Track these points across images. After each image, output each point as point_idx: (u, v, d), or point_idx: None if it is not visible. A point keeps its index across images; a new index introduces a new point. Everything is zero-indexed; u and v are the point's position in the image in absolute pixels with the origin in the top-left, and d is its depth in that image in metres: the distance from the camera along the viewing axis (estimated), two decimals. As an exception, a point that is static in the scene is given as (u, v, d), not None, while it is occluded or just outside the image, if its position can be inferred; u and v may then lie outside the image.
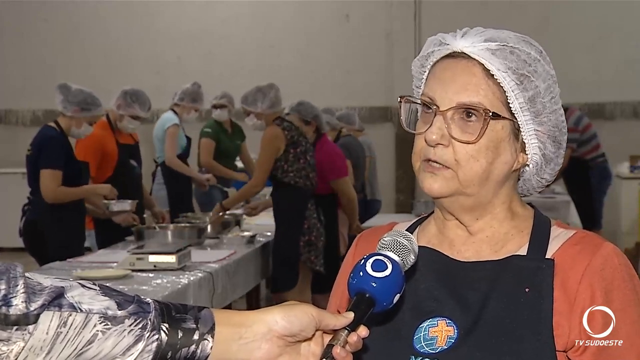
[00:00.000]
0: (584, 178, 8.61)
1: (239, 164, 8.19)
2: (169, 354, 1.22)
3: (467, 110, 1.45)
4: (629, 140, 10.35)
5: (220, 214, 5.99)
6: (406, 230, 1.58)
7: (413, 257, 1.39)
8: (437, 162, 1.47)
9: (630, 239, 8.77)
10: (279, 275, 5.86)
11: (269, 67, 10.87)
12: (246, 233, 5.85)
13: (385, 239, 1.40)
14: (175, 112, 7.36)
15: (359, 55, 11.01)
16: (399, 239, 1.39)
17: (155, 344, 1.21)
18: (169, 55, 11.20)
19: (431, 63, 1.53)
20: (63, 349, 1.18)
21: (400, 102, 1.54)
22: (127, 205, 5.81)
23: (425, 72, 1.54)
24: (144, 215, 6.20)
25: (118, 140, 6.15)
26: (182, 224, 5.77)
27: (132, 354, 1.20)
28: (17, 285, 1.16)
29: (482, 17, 9.83)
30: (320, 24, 11.13)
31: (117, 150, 6.10)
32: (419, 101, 1.52)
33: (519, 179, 1.56)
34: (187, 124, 7.54)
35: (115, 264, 4.53)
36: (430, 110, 1.48)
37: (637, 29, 10.71)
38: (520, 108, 1.46)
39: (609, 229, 9.16)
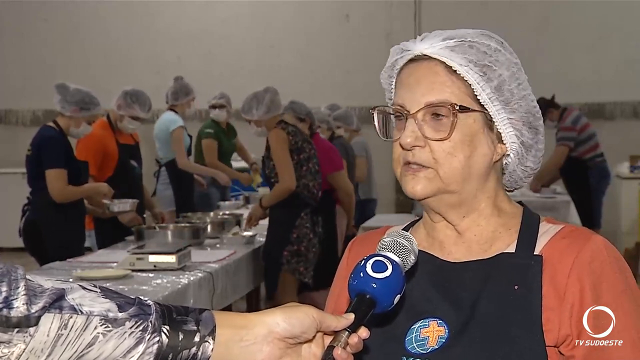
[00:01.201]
0: (583, 178, 8.59)
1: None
2: (170, 356, 1.22)
3: (436, 109, 1.47)
4: (629, 140, 10.35)
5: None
6: (401, 230, 1.60)
7: (413, 258, 1.40)
8: (416, 164, 1.49)
9: (630, 239, 8.76)
10: (272, 279, 5.76)
11: (269, 67, 10.87)
12: (246, 233, 5.84)
13: (385, 239, 1.41)
14: (175, 112, 7.38)
15: (359, 55, 11.01)
16: (399, 240, 1.40)
17: (156, 346, 1.21)
18: (169, 55, 11.20)
19: (396, 72, 1.55)
20: (64, 351, 1.18)
21: (373, 113, 1.57)
22: (127, 205, 5.81)
23: (393, 82, 1.57)
24: (144, 216, 6.21)
25: (118, 141, 6.15)
26: (182, 224, 5.76)
27: (133, 356, 1.20)
28: (18, 288, 1.16)
29: (482, 17, 9.84)
30: (320, 24, 11.13)
31: (117, 151, 6.11)
32: (391, 110, 1.54)
33: (503, 173, 1.57)
34: (187, 122, 7.57)
35: (115, 264, 4.53)
36: (402, 117, 1.50)
37: (637, 29, 10.71)
38: (489, 99, 1.48)
39: (609, 229, 9.15)
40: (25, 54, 11.32)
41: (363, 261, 1.35)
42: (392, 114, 1.54)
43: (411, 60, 1.52)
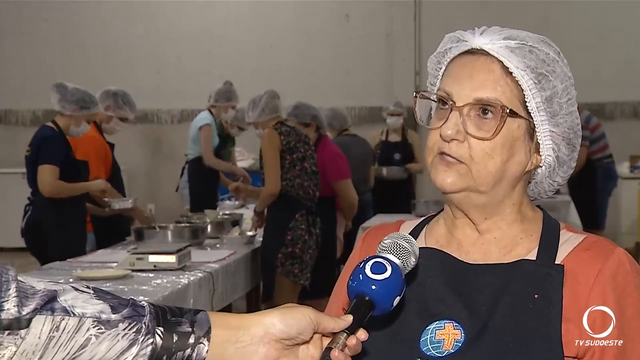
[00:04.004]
0: (590, 178, 8.56)
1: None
2: (164, 357, 1.21)
3: (484, 107, 1.44)
4: (629, 140, 10.34)
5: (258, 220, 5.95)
6: (413, 229, 1.58)
7: (414, 260, 1.38)
8: (451, 157, 1.45)
9: (630, 239, 8.77)
10: (269, 282, 5.73)
11: (269, 67, 10.86)
12: (246, 233, 5.84)
13: (385, 241, 1.38)
14: (211, 112, 7.68)
15: (359, 55, 11.00)
16: (399, 242, 1.37)
17: (149, 348, 1.20)
18: (169, 55, 11.20)
19: (448, 60, 1.51)
20: (56, 353, 1.17)
21: (416, 97, 1.53)
22: (129, 202, 5.82)
23: (441, 68, 1.53)
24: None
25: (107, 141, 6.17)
26: (182, 224, 5.76)
27: (127, 358, 1.19)
28: (9, 289, 1.15)
29: (482, 17, 9.82)
30: (320, 24, 11.12)
31: (110, 151, 6.13)
32: (434, 97, 1.51)
33: (530, 182, 1.54)
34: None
35: (115, 264, 4.53)
36: (446, 106, 1.47)
37: (637, 29, 10.70)
38: (537, 108, 1.45)
39: (609, 229, 9.15)
40: (25, 54, 11.31)
41: (362, 263, 1.33)
42: (434, 100, 1.51)
43: (466, 52, 1.48)
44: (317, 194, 5.82)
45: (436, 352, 1.43)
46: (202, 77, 10.93)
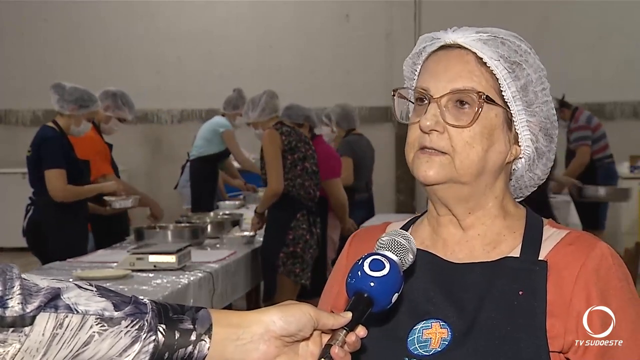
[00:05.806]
0: (590, 179, 8.55)
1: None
2: (166, 354, 1.22)
3: (461, 98, 1.46)
4: (629, 140, 10.34)
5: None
6: (399, 229, 1.59)
7: (411, 257, 1.39)
8: (432, 149, 1.47)
9: (630, 239, 8.74)
10: (270, 282, 5.73)
11: (269, 67, 10.87)
12: (246, 233, 5.84)
13: (383, 238, 1.39)
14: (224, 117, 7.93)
15: (359, 55, 11.01)
16: (397, 239, 1.39)
17: (152, 345, 1.21)
18: (169, 55, 11.20)
19: (423, 59, 1.54)
20: (59, 350, 1.17)
21: (394, 95, 1.56)
22: (129, 202, 5.82)
23: (417, 69, 1.56)
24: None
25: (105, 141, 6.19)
26: (182, 224, 5.76)
27: (129, 355, 1.20)
28: (13, 287, 1.16)
29: (482, 17, 9.83)
30: (320, 24, 11.13)
31: (109, 151, 6.14)
32: (412, 97, 1.53)
33: (511, 179, 1.57)
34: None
35: (115, 264, 4.53)
36: (424, 102, 1.49)
37: (637, 29, 10.70)
38: (513, 97, 1.48)
39: (609, 229, 9.14)
40: (25, 54, 11.31)
41: (361, 260, 1.34)
42: (411, 101, 1.53)
43: (440, 48, 1.51)
44: (317, 193, 5.84)
45: (423, 351, 1.45)
46: (202, 77, 10.94)
